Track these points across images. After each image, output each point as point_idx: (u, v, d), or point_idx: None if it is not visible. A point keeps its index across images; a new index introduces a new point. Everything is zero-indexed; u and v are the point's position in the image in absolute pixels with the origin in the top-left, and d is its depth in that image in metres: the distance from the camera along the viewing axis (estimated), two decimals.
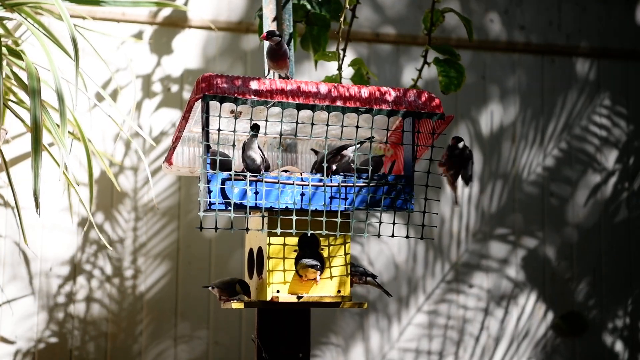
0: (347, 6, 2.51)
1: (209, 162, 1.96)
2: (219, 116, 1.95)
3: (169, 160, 2.22)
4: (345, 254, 2.06)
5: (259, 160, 1.98)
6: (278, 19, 2.28)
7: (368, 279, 2.20)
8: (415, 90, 2.05)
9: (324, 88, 1.97)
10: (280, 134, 2.01)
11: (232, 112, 2.06)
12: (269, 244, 2.01)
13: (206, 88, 1.91)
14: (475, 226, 3.37)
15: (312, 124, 1.99)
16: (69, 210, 2.94)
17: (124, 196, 3.05)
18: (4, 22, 2.69)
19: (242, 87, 1.93)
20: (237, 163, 2.11)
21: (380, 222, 2.05)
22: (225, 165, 2.01)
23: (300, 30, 2.72)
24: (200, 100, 1.92)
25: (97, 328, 2.99)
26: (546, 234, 3.43)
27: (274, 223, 1.99)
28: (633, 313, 3.48)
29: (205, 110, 1.95)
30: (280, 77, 2.16)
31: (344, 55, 2.56)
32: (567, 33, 3.54)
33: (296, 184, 1.99)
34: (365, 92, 2.00)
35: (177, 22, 3.16)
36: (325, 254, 2.04)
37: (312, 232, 2.00)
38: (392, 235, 2.04)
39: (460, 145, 2.16)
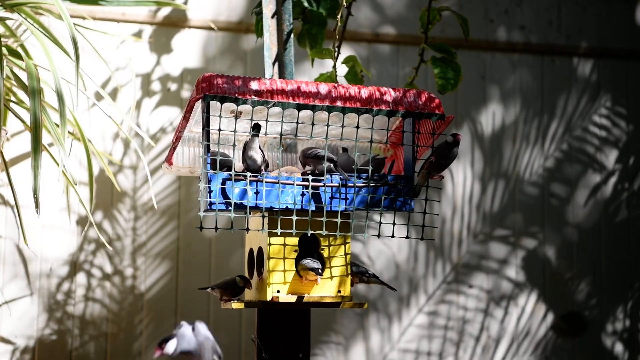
0: (344, 3, 2.50)
1: (209, 162, 1.96)
2: (220, 116, 1.95)
3: (169, 160, 2.22)
4: (346, 254, 2.06)
5: (259, 160, 1.98)
6: (278, 15, 2.28)
7: (371, 279, 2.20)
8: (415, 90, 2.05)
9: (324, 88, 1.97)
10: (281, 134, 2.01)
11: (232, 112, 2.06)
12: (269, 244, 2.01)
13: (207, 88, 1.91)
14: (476, 226, 3.37)
15: (313, 124, 1.99)
16: (69, 210, 2.94)
17: (123, 195, 3.05)
18: (4, 22, 2.69)
19: (243, 87, 1.93)
20: (238, 163, 2.11)
21: (381, 223, 2.05)
22: (226, 165, 2.01)
23: (297, 28, 2.73)
24: (200, 100, 1.92)
25: (97, 328, 2.99)
26: (546, 234, 3.43)
27: (274, 223, 1.99)
28: (633, 313, 3.48)
29: (206, 110, 1.95)
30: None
31: (338, 53, 2.55)
32: (567, 33, 3.54)
33: (296, 184, 1.99)
34: (365, 92, 2.00)
35: (177, 22, 3.16)
36: (325, 254, 2.05)
37: (312, 232, 2.00)
38: (392, 236, 2.04)
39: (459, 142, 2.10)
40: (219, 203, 1.95)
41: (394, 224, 2.05)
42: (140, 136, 3.07)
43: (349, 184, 2.02)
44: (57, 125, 2.27)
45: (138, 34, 3.13)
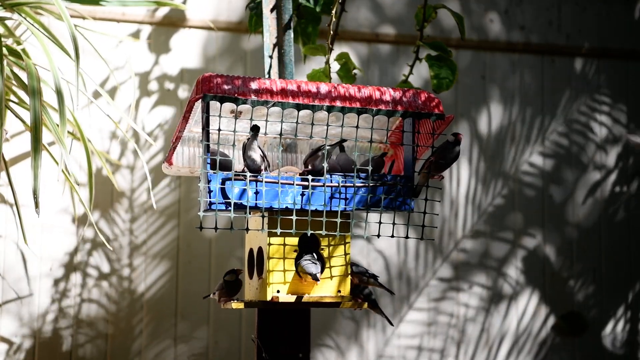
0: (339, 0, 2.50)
1: (209, 162, 1.96)
2: (219, 116, 1.94)
3: (169, 160, 2.22)
4: (345, 254, 2.06)
5: (259, 160, 1.98)
6: (278, 15, 2.28)
7: (370, 279, 2.20)
8: (414, 90, 2.05)
9: (324, 88, 1.97)
10: (280, 134, 2.01)
11: (232, 112, 2.06)
12: (269, 244, 2.01)
13: (206, 88, 1.91)
14: (476, 226, 3.37)
15: (312, 124, 1.99)
16: (68, 210, 2.94)
17: (122, 195, 3.06)
18: (4, 22, 2.69)
19: (242, 87, 1.93)
20: (238, 163, 2.11)
21: (380, 223, 2.05)
22: (226, 165, 2.01)
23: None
24: (200, 100, 1.92)
25: (97, 328, 2.99)
26: (546, 234, 3.43)
27: (274, 223, 1.99)
28: (633, 313, 3.48)
29: (206, 110, 1.95)
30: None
31: (331, 49, 2.55)
32: (567, 33, 3.54)
33: (296, 184, 1.99)
34: (365, 92, 2.00)
35: (177, 21, 3.16)
36: (325, 254, 2.04)
37: (312, 232, 2.00)
38: (392, 236, 2.04)
39: (460, 141, 2.09)
40: (218, 203, 1.95)
41: (393, 224, 2.04)
42: (139, 135, 3.07)
43: (349, 184, 2.02)
44: (57, 125, 2.27)
45: (137, 34, 3.13)
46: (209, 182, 1.94)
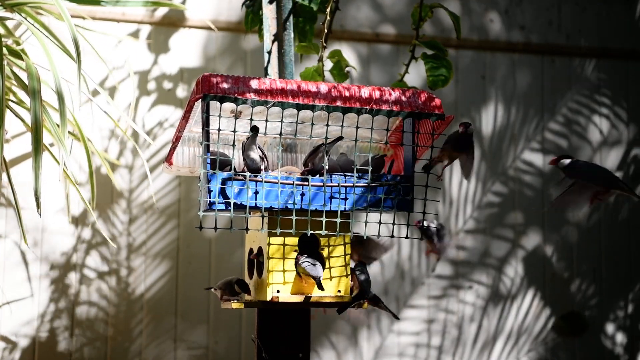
0: None
1: (209, 162, 1.96)
2: (219, 116, 1.94)
3: (169, 160, 2.22)
4: (345, 254, 2.06)
5: (258, 159, 1.98)
6: (278, 15, 2.28)
7: (377, 303, 2.18)
8: (414, 90, 2.05)
9: (324, 88, 1.97)
10: (280, 134, 2.01)
11: (232, 112, 2.06)
12: (269, 244, 2.01)
13: (206, 88, 1.91)
14: (476, 226, 3.37)
15: (312, 124, 1.99)
16: (69, 210, 2.94)
17: (122, 195, 3.05)
18: (4, 22, 2.69)
19: (242, 87, 1.93)
20: (237, 163, 2.11)
21: (380, 223, 2.05)
22: (226, 165, 2.01)
23: None
24: (200, 100, 1.92)
25: (97, 328, 2.99)
26: (546, 233, 3.43)
27: (274, 223, 1.99)
28: (633, 313, 3.48)
29: (206, 110, 1.95)
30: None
31: (324, 47, 2.55)
32: (567, 33, 3.54)
33: (296, 184, 1.99)
34: (365, 92, 2.00)
35: (177, 22, 3.16)
36: (325, 254, 2.04)
37: (312, 232, 2.00)
38: (392, 236, 2.04)
39: (470, 131, 2.14)
40: (218, 203, 1.95)
41: (393, 224, 2.04)
42: (137, 135, 3.07)
43: (349, 183, 2.02)
44: (58, 125, 2.27)
45: (137, 34, 3.13)
46: (209, 182, 1.94)
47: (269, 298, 2.00)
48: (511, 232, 3.40)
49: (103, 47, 3.04)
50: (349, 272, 2.06)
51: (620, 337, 3.46)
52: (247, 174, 1.96)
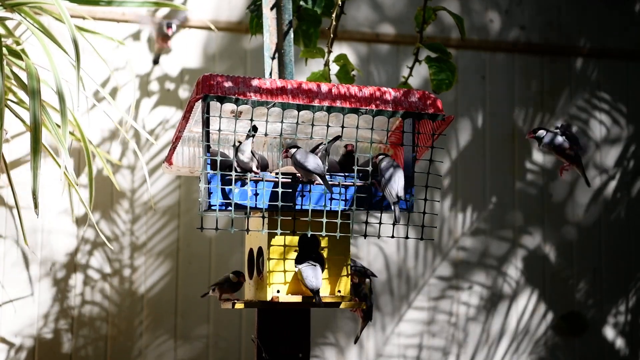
0: (339, 2, 2.50)
1: (209, 162, 1.96)
2: (220, 116, 1.95)
3: (169, 160, 2.22)
4: (345, 254, 2.06)
5: (247, 159, 1.97)
6: (278, 15, 2.28)
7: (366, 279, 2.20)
8: (415, 90, 2.05)
9: (324, 88, 1.97)
10: (281, 134, 2.01)
11: (232, 112, 2.06)
12: (269, 245, 2.01)
13: (207, 88, 1.91)
14: (475, 225, 3.38)
15: (312, 124, 1.99)
16: (69, 210, 2.94)
17: (122, 195, 3.06)
18: (4, 22, 2.69)
19: (243, 87, 1.93)
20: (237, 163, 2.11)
21: (380, 223, 2.05)
22: (226, 165, 2.01)
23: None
24: (200, 100, 1.92)
25: (97, 328, 2.99)
26: (546, 233, 3.43)
27: (274, 223, 1.99)
28: (633, 313, 3.48)
29: (206, 111, 1.95)
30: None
31: (329, 51, 2.55)
32: (567, 33, 3.54)
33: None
34: (365, 92, 2.00)
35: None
36: (325, 254, 2.05)
37: (312, 232, 2.00)
38: (392, 236, 2.04)
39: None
40: (219, 203, 1.95)
41: (393, 224, 2.05)
42: (139, 136, 3.07)
43: (348, 182, 2.02)
44: (58, 126, 2.27)
45: (137, 34, 3.13)
46: (209, 182, 1.95)
47: (269, 298, 2.01)
48: (511, 231, 3.40)
49: (104, 47, 3.04)
50: (349, 272, 2.06)
51: (620, 337, 3.46)
52: (248, 174, 1.96)
